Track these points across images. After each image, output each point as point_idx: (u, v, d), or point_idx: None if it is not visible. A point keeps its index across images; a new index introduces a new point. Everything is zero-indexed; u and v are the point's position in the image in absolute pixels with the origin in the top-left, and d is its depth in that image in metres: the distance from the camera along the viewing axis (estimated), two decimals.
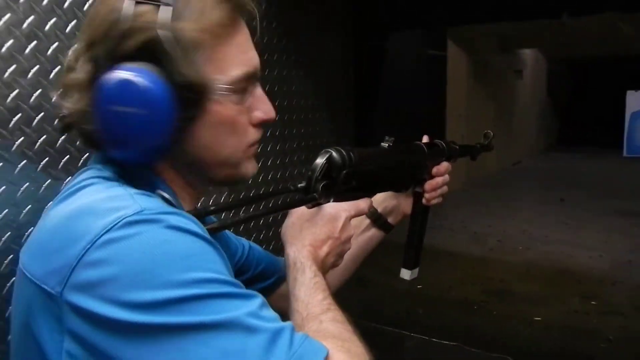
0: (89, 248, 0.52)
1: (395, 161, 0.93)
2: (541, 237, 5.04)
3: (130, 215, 0.53)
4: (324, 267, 0.76)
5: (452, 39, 6.94)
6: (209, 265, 0.53)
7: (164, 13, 0.58)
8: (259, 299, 0.54)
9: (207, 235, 0.57)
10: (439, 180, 1.00)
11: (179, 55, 0.59)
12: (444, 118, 6.83)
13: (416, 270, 1.04)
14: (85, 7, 1.25)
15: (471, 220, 5.71)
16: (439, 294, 3.58)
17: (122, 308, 0.49)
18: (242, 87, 0.66)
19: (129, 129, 0.58)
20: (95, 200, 0.57)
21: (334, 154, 0.77)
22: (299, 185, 0.77)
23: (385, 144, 0.89)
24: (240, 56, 0.66)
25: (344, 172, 0.76)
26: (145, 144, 0.60)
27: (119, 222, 0.53)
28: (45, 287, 0.54)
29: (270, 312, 0.55)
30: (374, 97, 4.84)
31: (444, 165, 1.02)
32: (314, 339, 0.54)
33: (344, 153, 0.77)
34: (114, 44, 0.58)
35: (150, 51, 0.58)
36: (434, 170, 1.00)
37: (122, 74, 0.57)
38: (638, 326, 3.13)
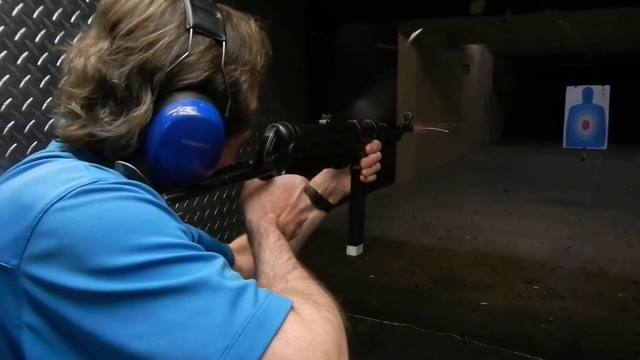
0: (41, 217, 0.50)
1: (334, 136, 0.96)
2: (487, 226, 5.24)
3: (84, 185, 0.52)
4: (285, 235, 0.78)
5: (402, 34, 7.07)
6: (167, 230, 0.53)
7: (222, 50, 0.64)
8: (220, 260, 0.54)
9: (163, 202, 0.56)
10: (373, 157, 1.05)
11: (232, 92, 0.66)
12: (395, 112, 6.96)
13: (361, 246, 1.07)
14: (73, 19, 1.30)
15: (421, 211, 5.85)
16: (390, 282, 3.67)
17: (82, 276, 0.48)
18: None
19: (192, 160, 0.63)
20: (49, 172, 0.56)
21: (281, 127, 0.80)
22: (250, 161, 0.79)
23: (323, 121, 0.93)
24: (256, 91, 0.74)
25: (292, 144, 0.79)
26: (201, 173, 0.65)
27: (72, 190, 0.51)
28: (0, 262, 0.52)
29: (231, 272, 0.55)
30: (326, 90, 4.88)
31: (376, 142, 1.06)
32: (278, 294, 0.55)
33: (290, 127, 0.81)
34: (177, 76, 0.62)
35: (208, 85, 0.64)
36: (368, 147, 1.05)
37: (193, 111, 0.61)
38: (575, 307, 3.32)
